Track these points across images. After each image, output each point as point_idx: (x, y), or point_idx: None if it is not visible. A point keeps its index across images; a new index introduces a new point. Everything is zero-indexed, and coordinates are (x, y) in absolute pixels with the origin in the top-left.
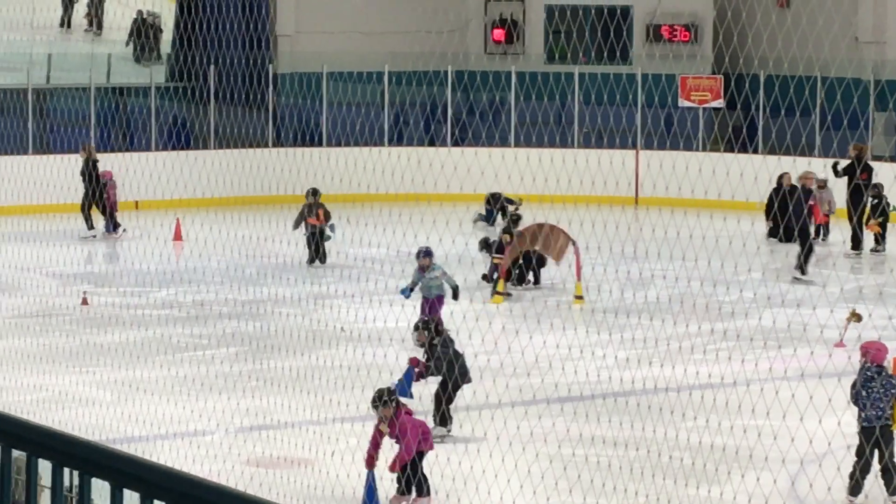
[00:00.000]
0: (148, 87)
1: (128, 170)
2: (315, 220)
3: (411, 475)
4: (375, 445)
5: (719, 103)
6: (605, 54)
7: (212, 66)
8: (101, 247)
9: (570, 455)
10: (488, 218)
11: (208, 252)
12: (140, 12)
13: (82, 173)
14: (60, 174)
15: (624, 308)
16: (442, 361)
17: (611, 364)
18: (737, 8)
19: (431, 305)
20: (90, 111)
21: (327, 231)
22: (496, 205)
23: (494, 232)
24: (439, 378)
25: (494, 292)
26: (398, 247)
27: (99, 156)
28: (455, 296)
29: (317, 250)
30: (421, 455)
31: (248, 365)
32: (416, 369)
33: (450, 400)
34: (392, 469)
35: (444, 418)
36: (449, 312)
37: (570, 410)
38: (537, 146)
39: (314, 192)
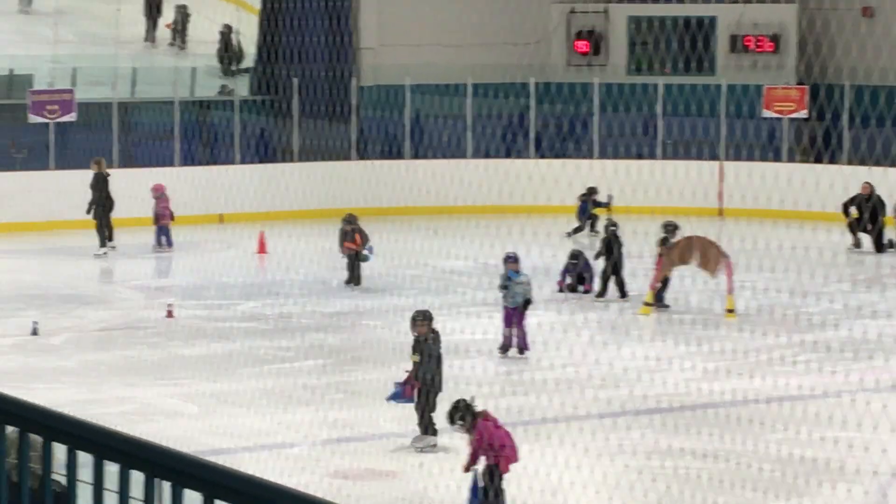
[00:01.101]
0: (231, 100)
1: (212, 183)
2: (353, 245)
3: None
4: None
5: (803, 114)
6: (689, 65)
7: (295, 79)
8: (185, 260)
9: (658, 467)
10: (582, 215)
11: (292, 265)
12: (227, 26)
13: (92, 187)
14: (145, 188)
15: (710, 319)
16: (431, 360)
17: (697, 375)
18: (821, 18)
19: (518, 314)
20: (174, 125)
21: (364, 252)
22: (590, 197)
23: (585, 243)
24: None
25: (644, 303)
26: (482, 258)
27: (183, 170)
28: (526, 306)
29: (355, 270)
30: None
31: (333, 377)
32: (405, 385)
33: (433, 408)
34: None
35: (429, 428)
36: (536, 324)
37: (657, 422)
38: (620, 158)
39: (350, 220)
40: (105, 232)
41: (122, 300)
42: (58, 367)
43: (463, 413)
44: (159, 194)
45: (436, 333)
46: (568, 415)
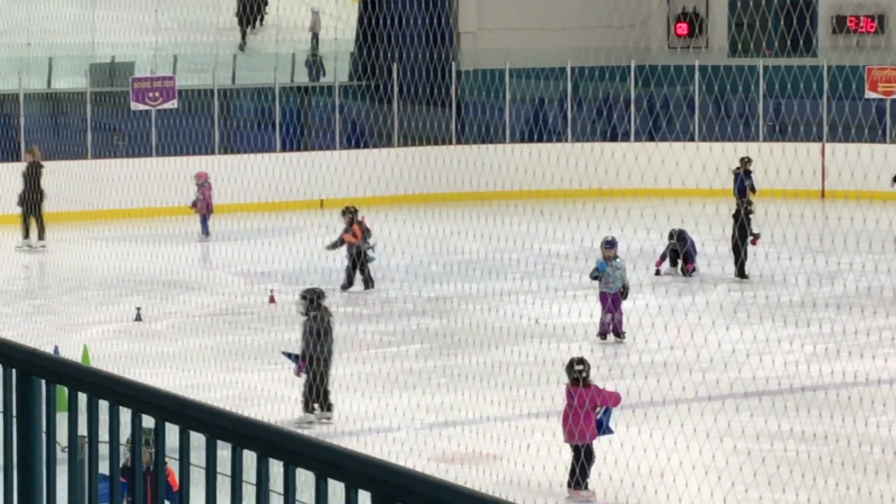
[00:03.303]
0: (331, 85)
1: (312, 169)
2: (351, 238)
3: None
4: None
5: None
6: (790, 46)
7: (395, 65)
8: (287, 245)
9: (767, 449)
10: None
11: (393, 249)
12: (315, 12)
13: (24, 177)
14: (247, 173)
15: (812, 301)
16: (318, 336)
17: (800, 358)
18: None
19: (614, 300)
20: (275, 111)
21: (369, 253)
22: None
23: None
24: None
25: None
26: (584, 242)
27: (283, 155)
28: (625, 294)
29: (360, 270)
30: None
31: (435, 361)
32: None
33: (324, 380)
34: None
35: (324, 403)
36: (642, 306)
37: (766, 404)
38: (721, 140)
39: (348, 210)
40: (35, 224)
41: (224, 286)
42: (161, 352)
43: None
44: (202, 182)
45: (326, 310)
46: (675, 397)
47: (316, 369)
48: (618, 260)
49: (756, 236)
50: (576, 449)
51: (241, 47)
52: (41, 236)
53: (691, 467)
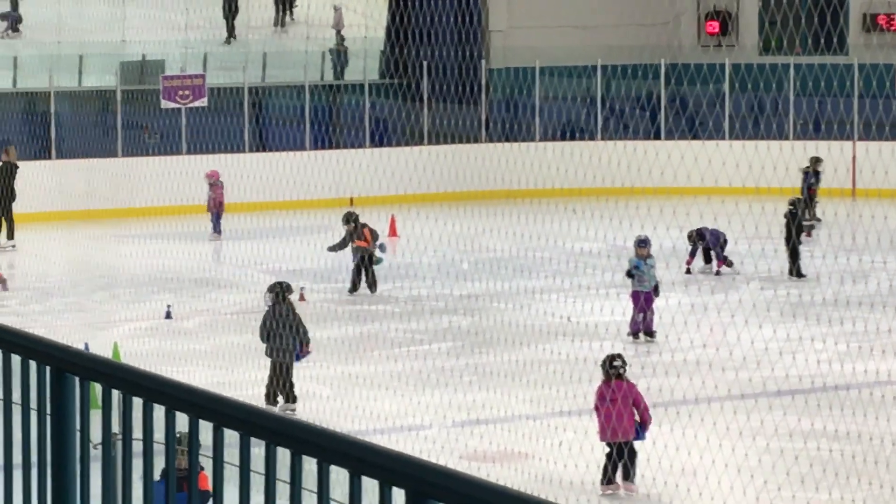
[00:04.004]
0: (361, 83)
1: (342, 166)
2: (363, 242)
3: (617, 460)
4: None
5: None
6: (821, 44)
7: (425, 62)
8: (317, 243)
9: (800, 448)
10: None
11: (423, 247)
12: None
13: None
14: (277, 171)
15: (844, 299)
16: (284, 328)
17: (832, 356)
18: None
19: (647, 298)
20: (305, 109)
21: (377, 253)
22: (814, 168)
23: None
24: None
25: None
26: (613, 240)
27: (313, 153)
28: (657, 291)
29: (366, 275)
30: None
31: (464, 359)
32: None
33: (289, 372)
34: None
35: (289, 395)
36: (675, 304)
37: (798, 403)
38: (752, 138)
39: (350, 217)
40: (5, 225)
41: (254, 283)
42: (192, 350)
43: (603, 363)
44: (214, 181)
45: (290, 304)
46: (708, 395)
47: (281, 361)
48: (651, 259)
49: (811, 227)
50: (618, 447)
51: (228, 41)
52: (10, 236)
53: (724, 465)
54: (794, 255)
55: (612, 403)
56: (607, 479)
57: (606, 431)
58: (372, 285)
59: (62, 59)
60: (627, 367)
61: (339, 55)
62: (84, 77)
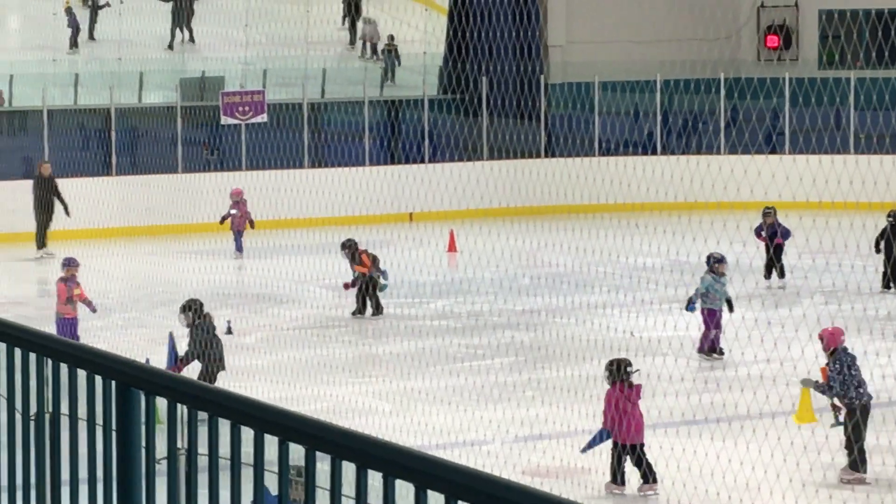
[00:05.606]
0: (420, 99)
1: (401, 182)
2: (361, 268)
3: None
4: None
5: None
6: (882, 58)
7: (483, 77)
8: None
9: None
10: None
11: (482, 263)
12: (391, 36)
13: (36, 188)
14: (336, 186)
15: None
16: (200, 346)
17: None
18: None
19: (718, 315)
20: (364, 125)
21: (381, 281)
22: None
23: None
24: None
25: None
26: (673, 255)
27: (373, 169)
28: (731, 307)
29: (369, 300)
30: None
31: (525, 374)
32: (179, 356)
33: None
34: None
35: None
36: (739, 318)
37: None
38: (812, 152)
39: (347, 245)
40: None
41: (314, 299)
42: (252, 365)
43: (617, 368)
44: (238, 199)
45: (206, 322)
46: (772, 410)
47: (212, 372)
48: (724, 276)
49: None
50: (632, 448)
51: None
52: (44, 244)
53: (788, 481)
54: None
55: (633, 406)
56: (622, 479)
57: (630, 434)
58: (376, 308)
59: (122, 75)
60: (690, 383)
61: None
62: (144, 94)
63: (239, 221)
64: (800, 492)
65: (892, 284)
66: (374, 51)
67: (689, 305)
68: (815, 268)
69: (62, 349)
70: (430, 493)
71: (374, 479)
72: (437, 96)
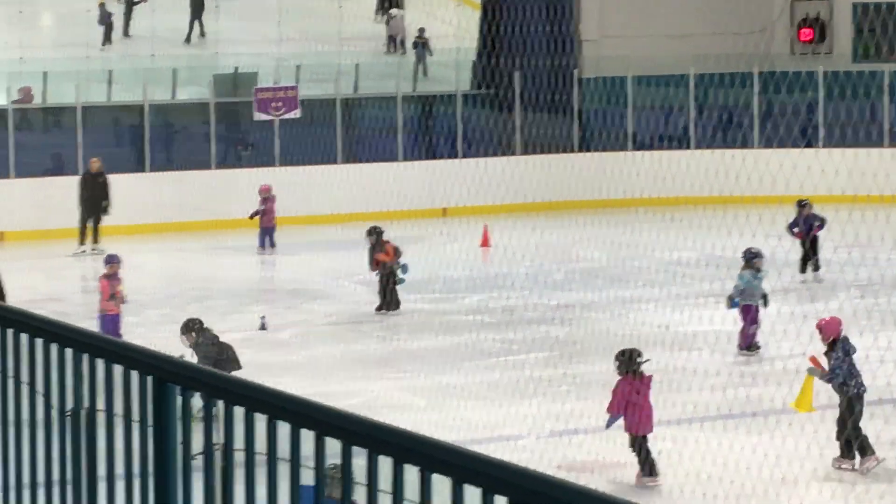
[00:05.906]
0: (453, 94)
1: (435, 177)
2: (385, 256)
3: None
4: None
5: None
6: None
7: (517, 73)
8: (409, 254)
9: None
10: None
11: (516, 258)
12: (421, 29)
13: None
14: (369, 182)
15: None
16: (212, 359)
17: None
18: None
19: (757, 311)
20: (397, 120)
21: (399, 274)
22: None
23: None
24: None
25: None
26: (707, 249)
27: (406, 164)
28: (766, 302)
29: (388, 294)
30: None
31: (559, 369)
32: None
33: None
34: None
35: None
36: (774, 312)
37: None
38: (846, 146)
39: (374, 231)
40: (91, 231)
41: (347, 294)
42: (285, 361)
43: (627, 358)
44: (267, 195)
45: (210, 331)
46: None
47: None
48: (762, 271)
49: None
50: (642, 439)
51: (188, 39)
52: (96, 240)
53: (824, 475)
54: None
55: (645, 399)
56: (654, 472)
57: (644, 425)
58: (392, 303)
59: (156, 72)
60: (725, 377)
61: (420, 60)
62: (177, 90)
63: (268, 218)
64: (836, 486)
65: None
66: (402, 45)
67: (732, 303)
68: (850, 261)
69: (99, 345)
70: (465, 487)
71: (411, 473)
72: (470, 91)
